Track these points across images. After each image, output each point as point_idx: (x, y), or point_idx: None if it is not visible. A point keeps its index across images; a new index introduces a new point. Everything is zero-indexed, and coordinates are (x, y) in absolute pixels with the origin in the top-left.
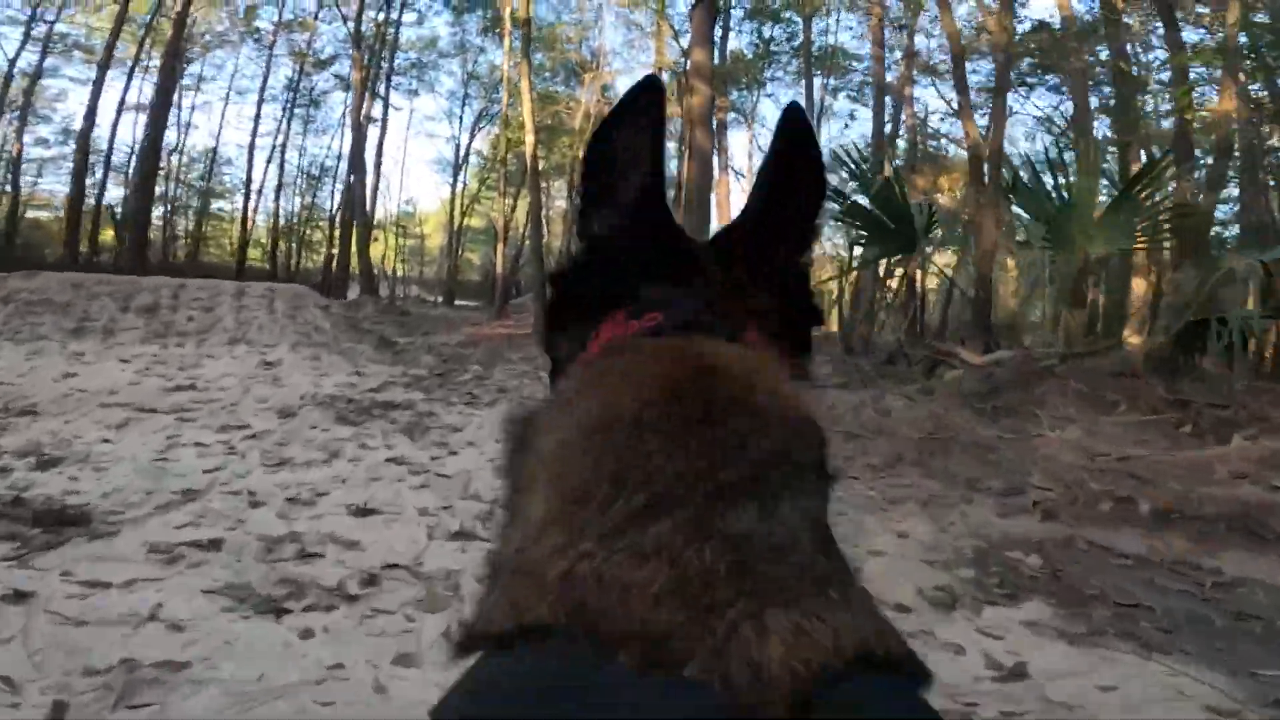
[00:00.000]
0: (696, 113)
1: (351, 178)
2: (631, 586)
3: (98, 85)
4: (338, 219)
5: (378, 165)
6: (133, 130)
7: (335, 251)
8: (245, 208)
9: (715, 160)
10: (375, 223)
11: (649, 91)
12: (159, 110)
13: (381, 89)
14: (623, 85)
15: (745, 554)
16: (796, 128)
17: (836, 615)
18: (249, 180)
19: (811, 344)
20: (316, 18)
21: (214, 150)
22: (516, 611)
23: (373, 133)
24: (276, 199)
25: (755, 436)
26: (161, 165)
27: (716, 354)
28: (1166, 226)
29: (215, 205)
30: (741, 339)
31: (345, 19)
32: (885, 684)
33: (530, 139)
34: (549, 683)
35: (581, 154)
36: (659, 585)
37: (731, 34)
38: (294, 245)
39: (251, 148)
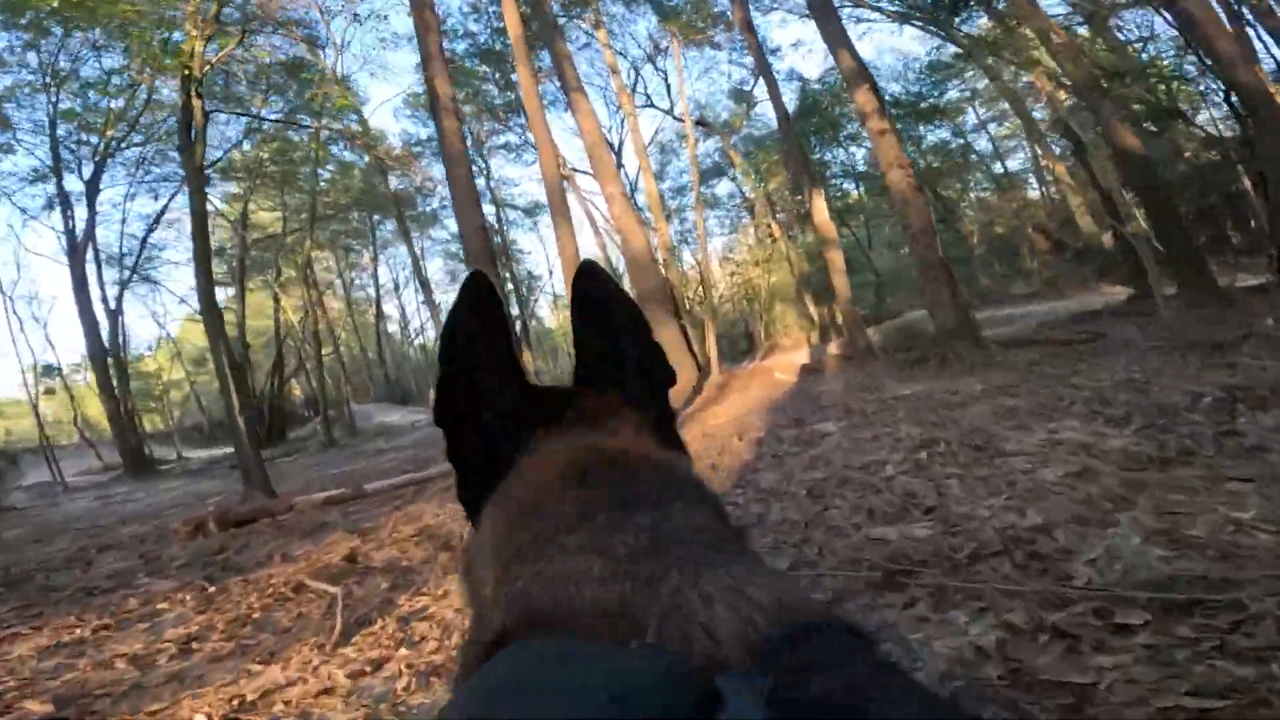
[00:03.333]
0: None
1: None
2: (571, 576)
3: None
4: None
5: None
6: None
7: None
8: None
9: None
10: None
11: (479, 284)
12: None
13: None
14: None
15: (661, 536)
16: (587, 283)
17: (764, 581)
18: None
19: (670, 411)
20: None
21: None
22: (482, 633)
23: None
24: None
25: (635, 476)
26: None
27: (594, 442)
28: None
29: None
30: (611, 432)
31: None
32: (844, 639)
33: None
34: (506, 678)
35: (439, 344)
36: (596, 569)
37: None
38: None
39: None
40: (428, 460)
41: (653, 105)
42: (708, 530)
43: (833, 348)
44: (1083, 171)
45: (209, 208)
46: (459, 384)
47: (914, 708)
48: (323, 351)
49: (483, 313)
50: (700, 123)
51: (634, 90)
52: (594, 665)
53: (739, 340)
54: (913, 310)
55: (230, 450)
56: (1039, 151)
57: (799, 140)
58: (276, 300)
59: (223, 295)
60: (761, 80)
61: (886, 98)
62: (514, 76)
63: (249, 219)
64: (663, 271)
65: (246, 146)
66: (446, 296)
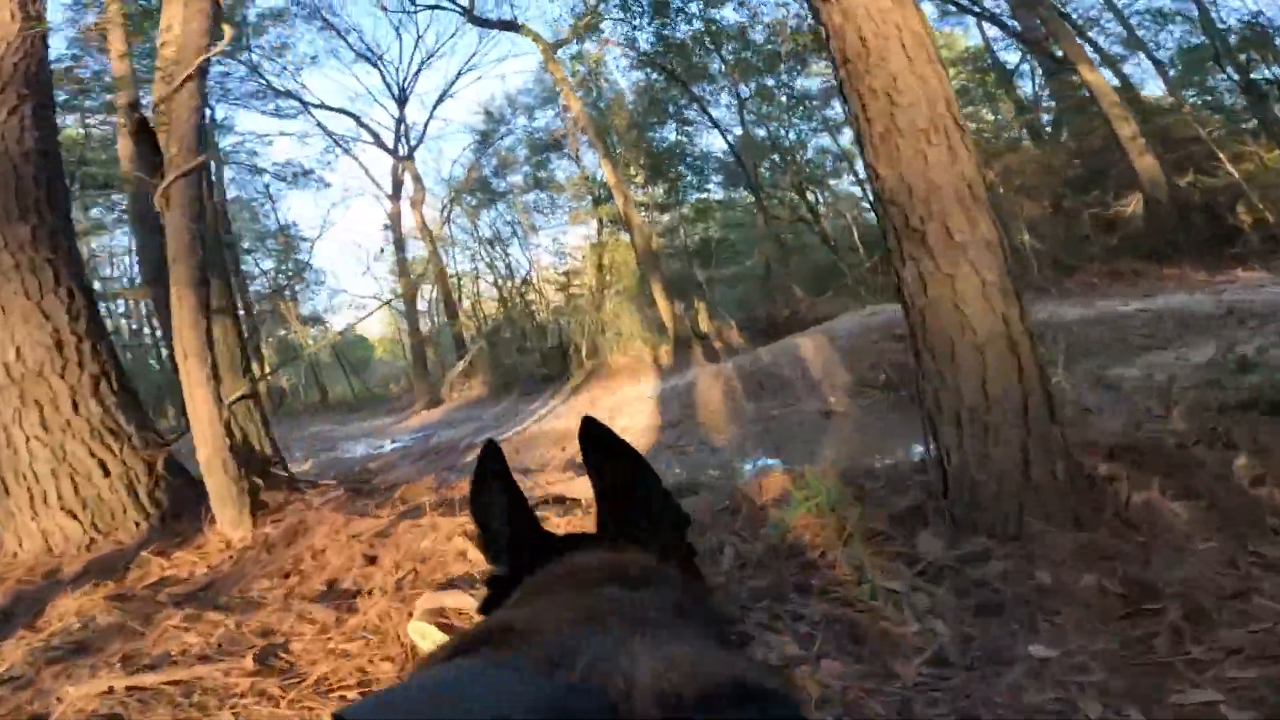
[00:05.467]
0: None
1: None
2: (541, 618)
3: None
4: None
5: None
6: None
7: None
8: None
9: None
10: None
11: (491, 457)
12: None
13: None
14: None
15: (622, 607)
16: (595, 435)
17: (706, 652)
18: None
19: (688, 547)
20: None
21: None
22: (450, 643)
23: None
24: None
25: (619, 569)
26: None
27: (589, 556)
28: None
29: None
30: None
31: None
32: (760, 706)
33: None
34: (443, 680)
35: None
36: (553, 618)
37: None
38: None
39: None
40: None
41: None
42: (674, 614)
43: (710, 380)
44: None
45: None
46: (484, 543)
47: None
48: None
49: (490, 485)
50: (509, 26)
51: None
52: (509, 682)
53: (552, 358)
54: (869, 307)
55: None
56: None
57: None
58: None
59: None
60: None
61: None
62: None
63: None
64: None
65: None
66: None
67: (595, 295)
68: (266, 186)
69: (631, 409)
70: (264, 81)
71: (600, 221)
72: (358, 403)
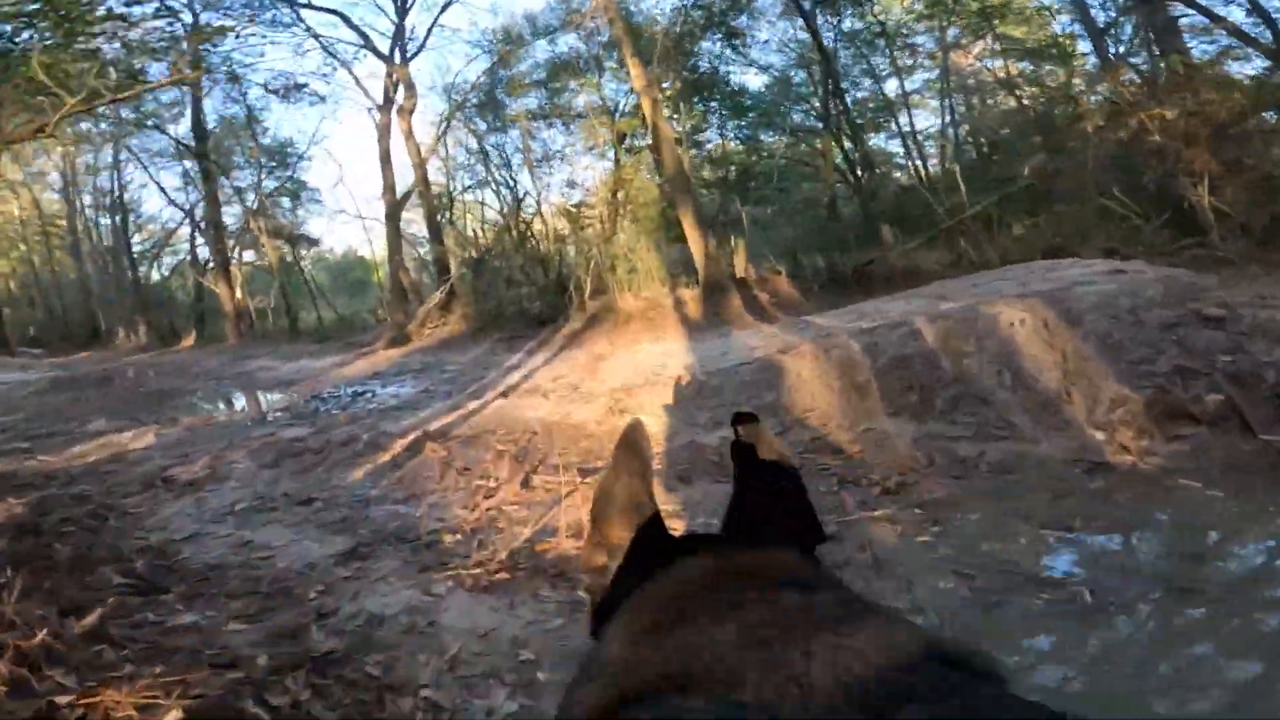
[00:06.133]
0: None
1: None
2: (693, 646)
3: None
4: None
5: None
6: None
7: None
8: None
9: None
10: None
11: (634, 433)
12: None
13: None
14: None
15: (778, 611)
16: (747, 457)
17: (873, 631)
18: None
19: (816, 544)
20: None
21: None
22: (610, 688)
23: None
24: None
25: (769, 569)
26: None
27: (727, 559)
28: None
29: None
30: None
31: None
32: (943, 673)
33: None
34: None
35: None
36: (715, 641)
37: None
38: None
39: None
40: None
41: None
42: (838, 605)
43: (802, 363)
44: None
45: None
46: (598, 537)
47: None
48: None
49: (631, 470)
50: None
51: None
52: None
53: (548, 295)
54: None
55: None
56: None
57: None
58: None
59: None
60: None
61: None
62: None
63: None
64: None
65: None
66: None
67: (607, 225)
68: (244, 95)
69: (657, 398)
70: None
71: (620, 140)
72: (327, 331)
